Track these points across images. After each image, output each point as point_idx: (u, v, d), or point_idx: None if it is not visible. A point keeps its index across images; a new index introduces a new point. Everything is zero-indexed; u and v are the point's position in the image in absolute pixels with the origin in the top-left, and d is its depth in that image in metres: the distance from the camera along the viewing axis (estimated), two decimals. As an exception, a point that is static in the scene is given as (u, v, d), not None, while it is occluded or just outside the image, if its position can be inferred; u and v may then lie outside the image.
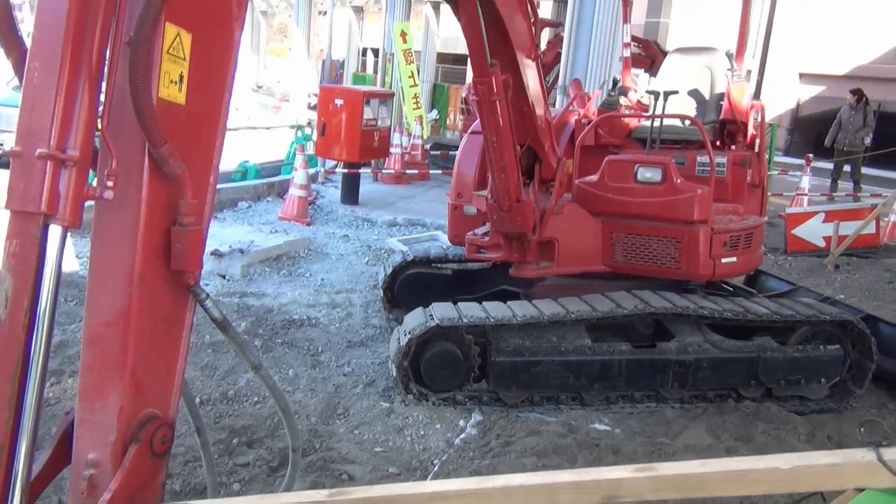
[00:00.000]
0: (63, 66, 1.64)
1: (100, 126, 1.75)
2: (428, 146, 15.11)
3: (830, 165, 14.91)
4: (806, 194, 12.36)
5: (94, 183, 1.76)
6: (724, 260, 5.03)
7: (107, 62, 1.77)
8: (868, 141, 13.76)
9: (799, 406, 4.99)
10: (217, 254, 7.10)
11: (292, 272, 7.47)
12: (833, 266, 8.90)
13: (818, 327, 5.04)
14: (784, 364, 4.90)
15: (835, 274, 8.71)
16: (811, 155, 13.57)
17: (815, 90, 25.05)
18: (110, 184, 1.73)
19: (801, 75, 25.23)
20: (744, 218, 5.36)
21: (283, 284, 7.03)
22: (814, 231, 9.59)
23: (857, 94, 13.77)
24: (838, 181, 14.27)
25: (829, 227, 9.34)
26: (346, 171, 10.84)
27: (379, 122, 10.79)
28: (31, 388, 1.72)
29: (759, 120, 5.71)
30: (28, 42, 1.84)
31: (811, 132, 25.22)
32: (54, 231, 1.69)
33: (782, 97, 25.03)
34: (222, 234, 7.96)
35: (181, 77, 1.86)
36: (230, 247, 7.31)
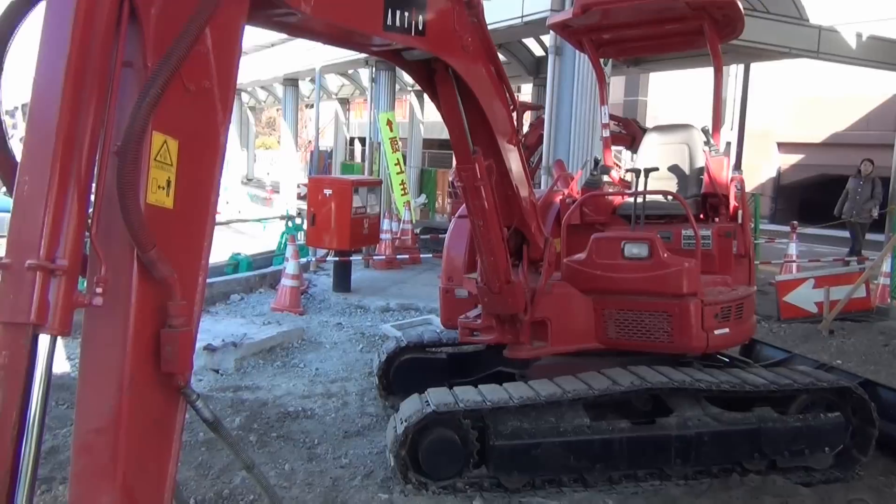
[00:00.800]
0: (53, 178, 1.68)
1: (89, 233, 1.78)
2: (418, 230, 15.26)
3: (816, 231, 14.98)
4: (794, 261, 12.46)
5: (84, 288, 1.79)
6: (717, 331, 5.03)
7: (95, 170, 1.82)
8: (875, 213, 13.58)
9: (805, 477, 4.90)
10: (210, 348, 7.06)
11: (286, 363, 7.41)
12: (827, 331, 8.89)
13: (817, 395, 5.00)
14: (786, 434, 4.83)
15: (830, 339, 8.69)
16: (796, 222, 13.73)
17: (794, 158, 25.63)
18: (99, 290, 1.75)
19: (780, 144, 25.87)
20: (733, 288, 5.39)
21: (277, 376, 6.96)
22: (805, 297, 9.62)
23: (871, 164, 13.52)
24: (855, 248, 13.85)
25: (821, 292, 9.39)
26: (337, 258, 10.90)
27: (368, 210, 10.92)
28: (20, 498, 1.70)
29: (740, 191, 5.82)
30: (17, 151, 1.90)
31: (794, 199, 25.71)
32: (44, 340, 1.70)
33: (763, 166, 25.56)
34: (215, 328, 7.93)
35: (168, 182, 1.91)
36: (223, 341, 7.27)
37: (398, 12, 2.93)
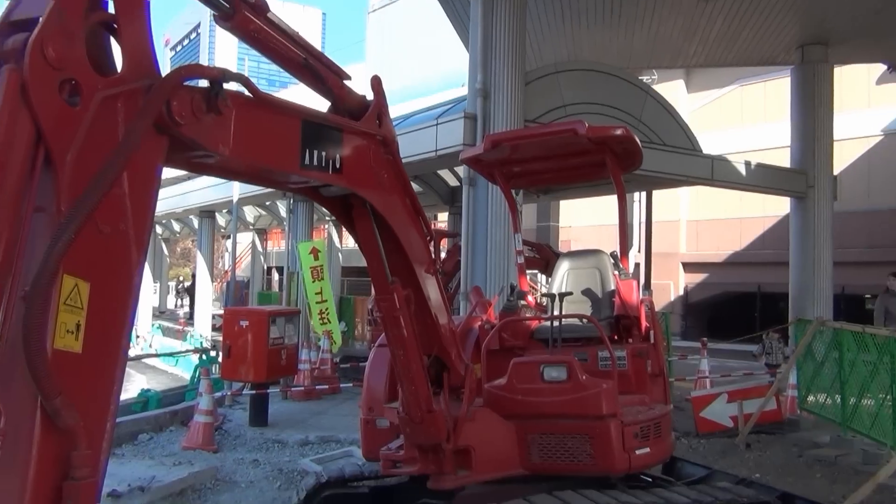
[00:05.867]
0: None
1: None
2: (337, 359, 15.00)
3: (725, 346, 15.46)
4: (707, 376, 12.82)
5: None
6: (638, 451, 5.05)
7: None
8: None
9: None
10: (114, 495, 6.60)
11: (198, 507, 6.99)
12: (744, 445, 9.07)
13: (739, 512, 5.04)
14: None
15: (747, 453, 8.86)
16: (706, 339, 14.24)
17: (699, 277, 26.85)
18: (-2, 442, 1.65)
19: (684, 264, 27.11)
20: (650, 407, 5.48)
21: (188, 522, 6.55)
22: (720, 411, 9.84)
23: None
24: None
25: (734, 406, 9.64)
26: (253, 391, 10.56)
27: (286, 340, 10.74)
28: None
29: (650, 312, 6.03)
30: None
31: (703, 316, 26.73)
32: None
33: (670, 285, 26.66)
34: (120, 471, 7.44)
35: (78, 326, 1.85)
36: (129, 485, 6.83)
37: (315, 151, 3.02)
